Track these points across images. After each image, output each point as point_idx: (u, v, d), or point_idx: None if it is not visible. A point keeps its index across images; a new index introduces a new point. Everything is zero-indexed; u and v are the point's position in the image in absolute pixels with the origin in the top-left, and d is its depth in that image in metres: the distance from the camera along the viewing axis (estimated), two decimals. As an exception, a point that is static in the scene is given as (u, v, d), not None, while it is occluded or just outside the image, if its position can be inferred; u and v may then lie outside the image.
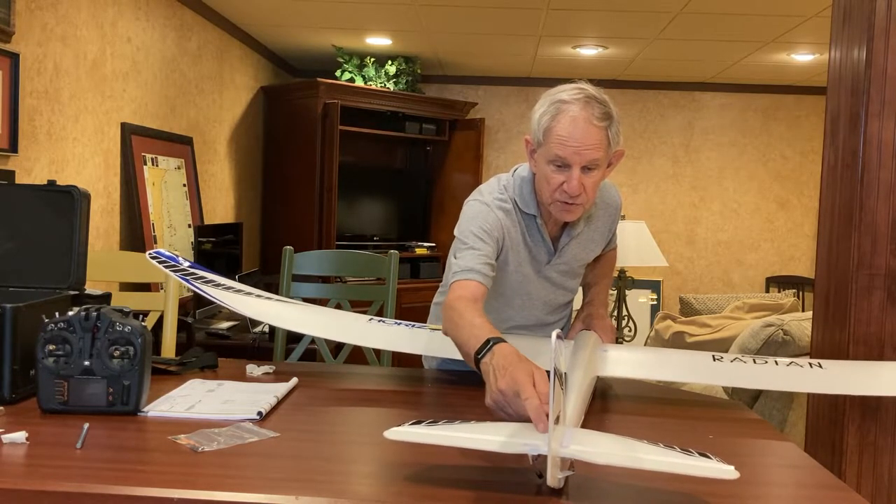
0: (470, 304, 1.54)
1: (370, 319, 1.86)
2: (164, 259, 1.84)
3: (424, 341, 1.76)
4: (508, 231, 1.74)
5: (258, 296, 1.85)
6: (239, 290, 1.84)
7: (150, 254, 1.84)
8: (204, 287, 1.77)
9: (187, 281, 1.78)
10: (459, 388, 1.70)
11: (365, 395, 1.65)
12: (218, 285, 1.82)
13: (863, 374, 1.73)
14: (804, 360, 1.65)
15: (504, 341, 1.40)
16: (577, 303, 1.99)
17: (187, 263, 1.86)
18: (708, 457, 1.03)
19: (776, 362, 1.65)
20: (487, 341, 1.39)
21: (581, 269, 1.93)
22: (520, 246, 1.77)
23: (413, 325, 1.84)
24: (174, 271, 1.80)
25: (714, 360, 1.69)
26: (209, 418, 1.37)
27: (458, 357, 1.68)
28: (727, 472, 1.00)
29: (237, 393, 1.53)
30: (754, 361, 1.66)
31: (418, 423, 1.10)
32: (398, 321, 1.87)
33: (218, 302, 1.73)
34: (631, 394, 1.75)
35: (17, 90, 2.73)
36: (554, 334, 1.00)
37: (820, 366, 1.63)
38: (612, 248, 2.05)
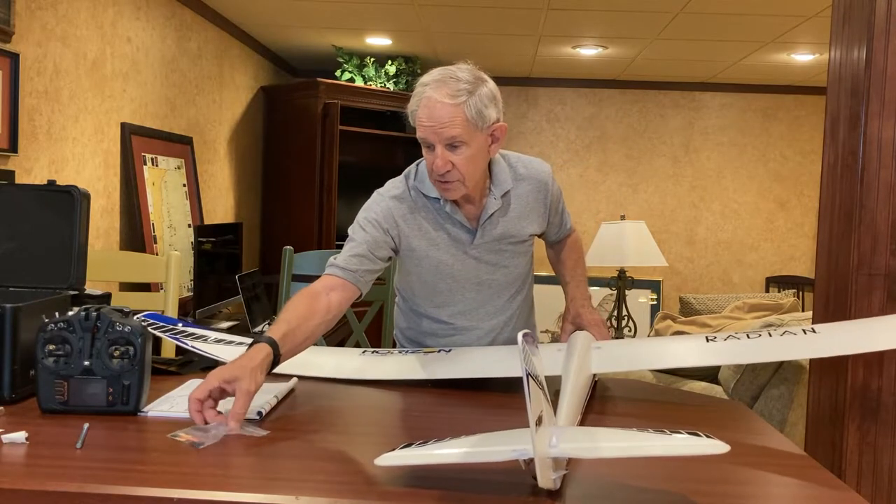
0: (304, 297, 1.63)
1: (363, 352, 1.85)
2: (160, 324, 1.82)
3: (420, 367, 1.74)
4: (403, 218, 1.78)
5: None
6: (231, 342, 1.82)
7: (140, 317, 1.79)
8: (198, 345, 1.76)
9: (179, 341, 1.76)
10: (459, 386, 1.70)
11: (365, 395, 1.65)
12: (218, 341, 1.81)
13: (858, 333, 1.70)
14: (797, 328, 1.63)
15: (269, 344, 1.44)
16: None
17: (181, 324, 1.86)
18: (697, 435, 1.02)
19: (769, 334, 1.63)
20: (257, 339, 1.47)
21: (521, 248, 1.88)
22: (429, 231, 1.79)
23: (405, 352, 1.83)
24: (165, 332, 1.78)
25: (708, 340, 1.67)
26: (209, 418, 1.37)
27: (460, 375, 1.68)
28: (717, 446, 0.99)
29: (237, 393, 1.53)
30: (748, 336, 1.65)
31: (408, 445, 1.10)
32: (390, 350, 1.87)
33: (216, 358, 1.71)
34: (630, 396, 1.75)
35: (17, 90, 2.73)
36: (520, 336, 0.99)
37: (814, 331, 1.61)
38: (567, 230, 2.01)
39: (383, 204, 1.78)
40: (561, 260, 2.02)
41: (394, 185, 1.82)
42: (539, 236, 1.95)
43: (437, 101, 1.63)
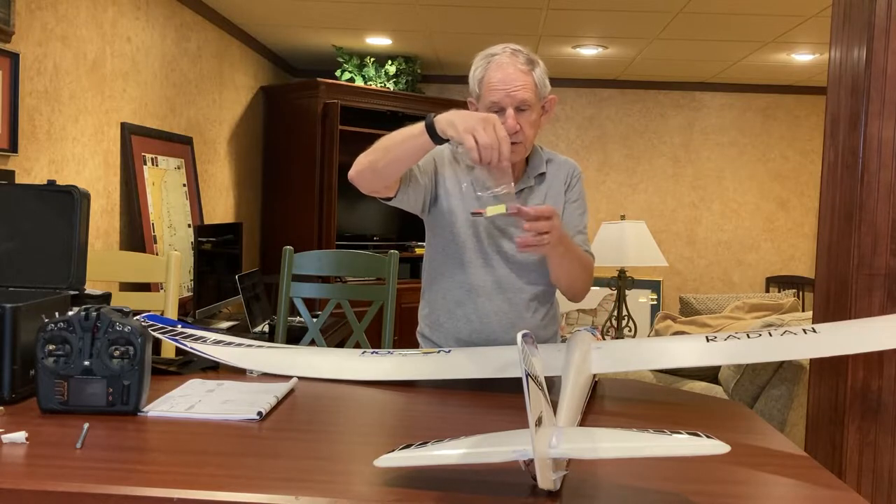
0: None
1: (363, 353, 1.85)
2: (159, 326, 1.82)
3: (420, 368, 1.74)
4: (449, 159, 1.93)
5: (248, 346, 1.85)
6: (230, 343, 1.83)
7: (142, 318, 1.79)
8: (197, 346, 1.76)
9: (178, 342, 1.77)
10: (459, 387, 1.70)
11: (365, 394, 1.65)
12: (217, 342, 1.81)
13: (858, 333, 1.69)
14: (798, 328, 1.63)
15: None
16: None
17: (181, 325, 1.86)
18: (698, 435, 1.02)
19: (770, 334, 1.63)
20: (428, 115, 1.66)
21: None
22: (469, 197, 1.91)
23: (405, 353, 1.83)
24: (164, 334, 1.78)
25: (708, 340, 1.67)
26: (209, 418, 1.37)
27: (455, 376, 1.68)
28: (718, 447, 0.99)
29: (237, 393, 1.53)
30: (748, 336, 1.65)
31: (408, 446, 1.10)
32: (390, 350, 1.87)
33: (215, 359, 1.72)
34: (630, 396, 1.75)
35: (17, 90, 2.73)
36: (519, 336, 0.99)
37: (814, 331, 1.61)
38: (584, 246, 2.07)
39: (437, 150, 1.89)
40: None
41: (451, 146, 1.95)
42: None
43: (511, 65, 1.79)
